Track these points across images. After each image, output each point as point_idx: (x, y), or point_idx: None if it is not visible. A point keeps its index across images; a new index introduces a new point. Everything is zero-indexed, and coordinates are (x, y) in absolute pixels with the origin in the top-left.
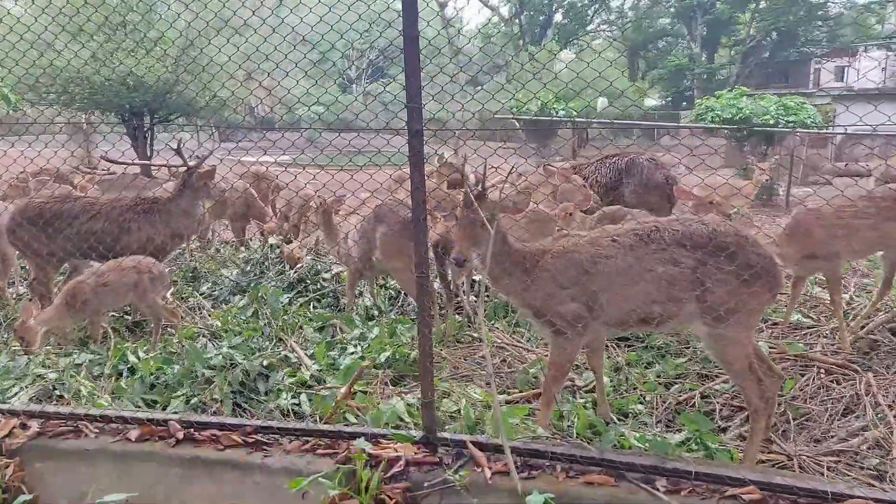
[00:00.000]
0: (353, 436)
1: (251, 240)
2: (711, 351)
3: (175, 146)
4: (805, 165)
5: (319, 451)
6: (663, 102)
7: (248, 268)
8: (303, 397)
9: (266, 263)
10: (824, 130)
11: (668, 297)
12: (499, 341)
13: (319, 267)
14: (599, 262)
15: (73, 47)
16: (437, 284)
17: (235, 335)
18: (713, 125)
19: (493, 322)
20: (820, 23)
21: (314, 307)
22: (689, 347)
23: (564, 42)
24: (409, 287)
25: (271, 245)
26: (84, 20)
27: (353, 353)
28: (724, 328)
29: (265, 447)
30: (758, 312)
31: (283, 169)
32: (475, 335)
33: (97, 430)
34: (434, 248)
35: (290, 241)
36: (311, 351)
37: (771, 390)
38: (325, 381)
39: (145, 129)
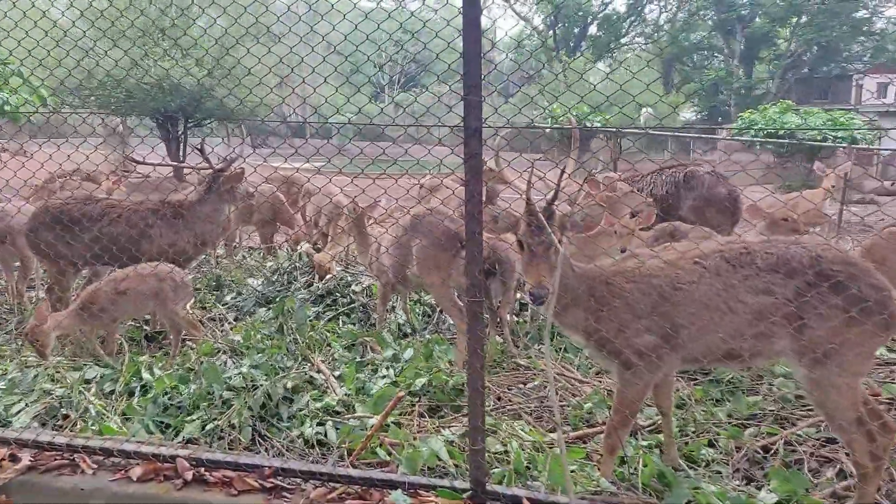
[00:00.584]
0: (387, 484)
1: (280, 248)
2: (811, 397)
3: (199, 146)
4: (848, 184)
5: (348, 502)
6: (698, 117)
7: (275, 277)
8: (329, 426)
9: (294, 273)
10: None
11: (760, 332)
12: (545, 369)
13: (350, 278)
14: (681, 289)
15: (111, 52)
16: None
17: (258, 352)
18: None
19: (536, 345)
20: (863, 38)
21: (343, 322)
22: (762, 383)
23: (599, 54)
24: (447, 304)
25: (300, 254)
26: (126, 24)
27: (384, 377)
28: (825, 372)
29: (285, 494)
30: (869, 356)
31: (316, 171)
32: (520, 361)
33: (96, 465)
34: None
35: (319, 250)
36: (340, 372)
37: (883, 448)
38: (353, 408)
39: (179, 133)
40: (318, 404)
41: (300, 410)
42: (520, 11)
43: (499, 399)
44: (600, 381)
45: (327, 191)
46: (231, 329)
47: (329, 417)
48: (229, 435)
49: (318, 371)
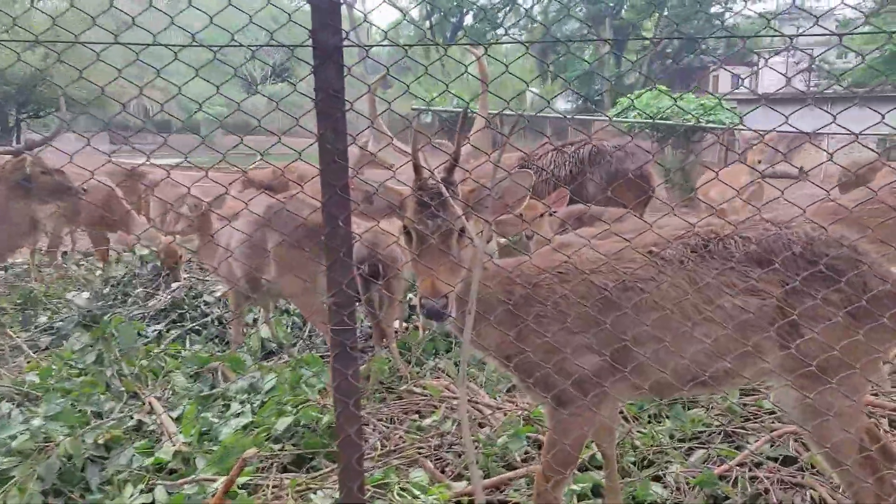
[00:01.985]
0: None
1: (121, 253)
2: (804, 428)
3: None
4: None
5: None
6: (573, 106)
7: (108, 290)
8: (159, 493)
9: (134, 283)
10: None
11: (741, 345)
12: (444, 391)
13: (200, 287)
14: (634, 289)
15: None
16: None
17: (61, 395)
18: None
19: (433, 359)
20: (717, 32)
21: (192, 343)
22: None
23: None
24: (314, 317)
25: (141, 258)
26: None
27: (239, 415)
28: (823, 392)
29: None
30: (876, 367)
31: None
32: (413, 383)
33: None
34: (357, 267)
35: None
36: (180, 411)
37: (891, 488)
38: (195, 463)
39: (10, 124)
40: (147, 461)
41: (118, 473)
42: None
43: (387, 440)
44: (513, 402)
45: (172, 184)
46: (27, 364)
47: (160, 479)
48: None
49: (151, 412)
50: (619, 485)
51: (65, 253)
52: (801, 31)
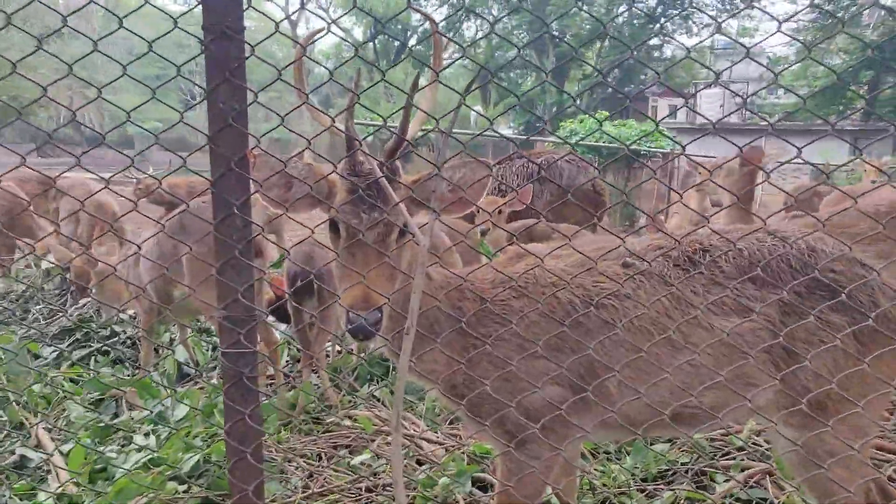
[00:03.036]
0: None
1: (28, 265)
2: (801, 473)
3: None
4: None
5: None
6: (514, 131)
7: (5, 305)
8: None
9: (37, 297)
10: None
11: (732, 374)
12: (379, 424)
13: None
14: (605, 308)
15: None
16: (282, 328)
17: None
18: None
19: (368, 385)
20: (656, 63)
21: (97, 365)
22: None
23: (419, 66)
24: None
25: (47, 270)
26: None
27: (141, 449)
28: (824, 434)
29: None
30: (886, 400)
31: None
32: (344, 414)
33: None
34: (289, 276)
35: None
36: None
37: None
38: None
39: None
40: None
41: None
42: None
43: (311, 477)
44: (456, 437)
45: (85, 189)
46: None
47: None
48: None
49: (38, 446)
50: None
51: None
52: (734, 65)
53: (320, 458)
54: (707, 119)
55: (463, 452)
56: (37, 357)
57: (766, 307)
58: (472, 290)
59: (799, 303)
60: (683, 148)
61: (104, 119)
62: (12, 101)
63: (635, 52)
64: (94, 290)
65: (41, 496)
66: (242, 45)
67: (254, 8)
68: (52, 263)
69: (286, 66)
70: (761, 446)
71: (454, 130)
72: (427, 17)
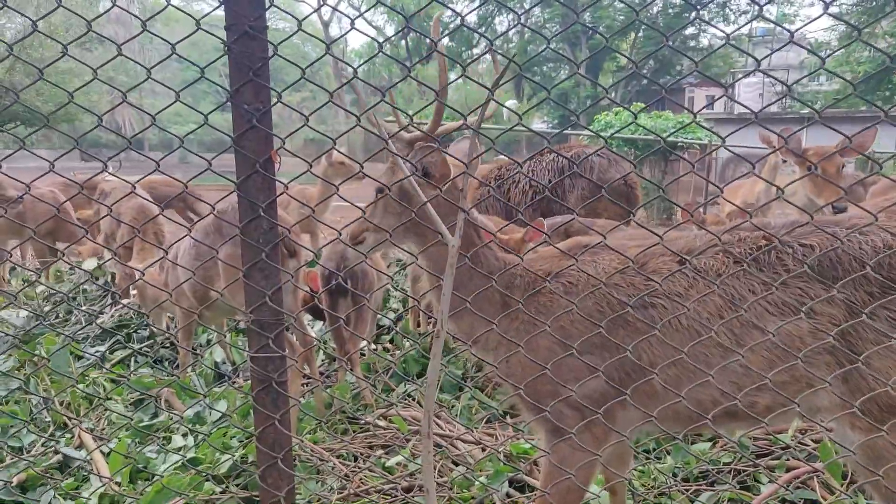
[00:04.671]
0: None
1: (72, 267)
2: (866, 476)
3: None
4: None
5: None
6: (549, 126)
7: (49, 308)
8: None
9: (78, 300)
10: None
11: (790, 376)
12: (414, 423)
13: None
14: (654, 306)
15: None
16: (317, 327)
17: None
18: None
19: (404, 384)
20: (692, 53)
21: (137, 365)
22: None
23: (452, 64)
24: None
25: (91, 273)
26: None
27: (180, 450)
28: (892, 436)
29: None
30: None
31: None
32: (380, 414)
33: None
34: (323, 277)
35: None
36: (113, 445)
37: None
38: None
39: None
40: None
41: None
42: (372, 21)
43: (346, 478)
44: (492, 436)
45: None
46: None
47: None
48: None
49: (80, 446)
50: None
51: (13, 268)
52: (776, 50)
53: (356, 459)
54: (748, 108)
55: (500, 452)
56: (79, 358)
57: (831, 307)
58: (524, 272)
59: (870, 304)
60: (723, 140)
61: (145, 123)
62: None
63: (670, 42)
64: (135, 295)
65: (84, 495)
66: (266, 44)
67: (277, 7)
68: (95, 266)
69: (309, 65)
70: (807, 446)
71: (486, 126)
72: (430, 36)
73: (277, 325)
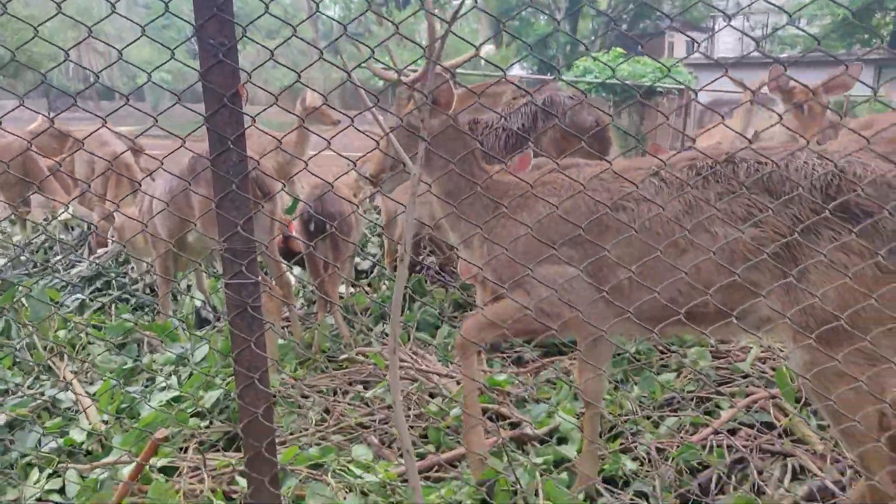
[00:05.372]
0: None
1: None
2: (812, 394)
3: None
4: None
5: None
6: (528, 72)
7: (24, 257)
8: (71, 476)
9: (55, 250)
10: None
11: (734, 281)
12: (403, 363)
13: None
14: (625, 211)
15: None
16: (297, 271)
17: None
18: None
19: (381, 324)
20: None
21: (118, 312)
22: (670, 355)
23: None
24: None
25: (66, 223)
26: None
27: (163, 389)
28: (837, 353)
29: None
30: None
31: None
32: (358, 352)
33: None
34: (302, 220)
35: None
36: (98, 387)
37: None
38: (110, 443)
39: None
40: (57, 442)
41: (23, 457)
42: None
43: (327, 412)
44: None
45: (100, 141)
46: None
47: (71, 463)
48: None
49: (67, 388)
50: (594, 448)
51: None
52: None
53: (335, 394)
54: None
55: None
56: (59, 305)
57: (777, 220)
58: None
59: (814, 221)
60: (695, 93)
61: (113, 71)
62: (21, 56)
63: None
64: (112, 241)
65: (72, 434)
66: None
67: None
68: (70, 216)
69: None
70: (766, 374)
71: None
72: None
73: (249, 253)
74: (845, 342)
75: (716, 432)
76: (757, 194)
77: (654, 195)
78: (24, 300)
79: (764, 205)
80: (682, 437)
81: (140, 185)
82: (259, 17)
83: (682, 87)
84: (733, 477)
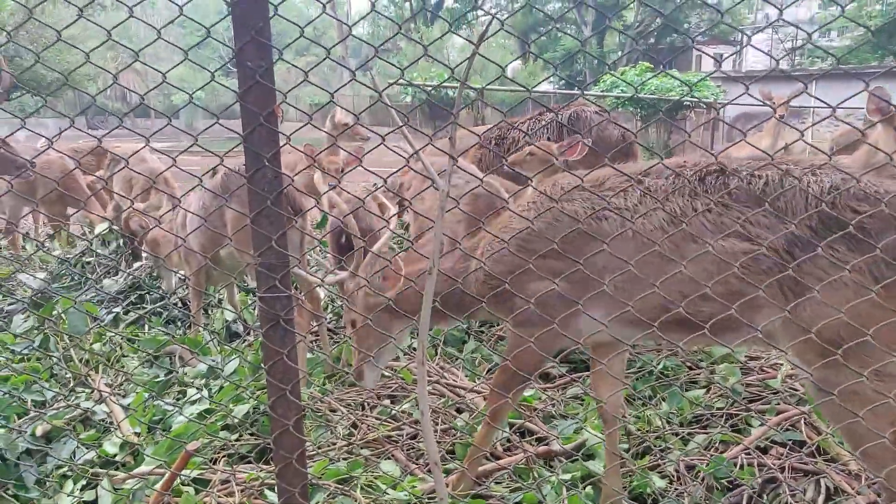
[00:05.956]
0: None
1: (85, 233)
2: (825, 412)
3: None
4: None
5: None
6: (556, 87)
7: (63, 270)
8: (103, 488)
9: (92, 263)
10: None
11: (726, 290)
12: (430, 376)
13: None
14: (607, 220)
15: None
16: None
17: None
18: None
19: (410, 337)
20: (700, 10)
21: (151, 326)
22: (700, 372)
23: (456, 24)
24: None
25: (103, 238)
26: None
27: (195, 402)
28: (840, 372)
29: None
30: None
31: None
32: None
33: None
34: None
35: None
36: (131, 399)
37: None
38: (143, 454)
39: None
40: (91, 454)
41: (58, 468)
42: None
43: (354, 427)
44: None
45: (139, 157)
46: None
47: (104, 474)
48: None
49: (100, 400)
50: (617, 464)
51: (27, 234)
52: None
53: (363, 408)
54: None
55: None
56: (94, 318)
57: (771, 234)
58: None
59: (811, 237)
60: (718, 110)
61: (146, 88)
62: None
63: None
64: (146, 255)
65: (106, 446)
66: (266, 4)
67: None
68: (107, 230)
69: (309, 23)
70: (797, 391)
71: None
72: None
73: (283, 267)
74: (852, 358)
75: (746, 450)
76: (749, 207)
77: (637, 204)
78: (62, 314)
79: (756, 219)
80: (711, 454)
81: (180, 201)
82: (294, 40)
83: (710, 100)
84: (765, 496)
